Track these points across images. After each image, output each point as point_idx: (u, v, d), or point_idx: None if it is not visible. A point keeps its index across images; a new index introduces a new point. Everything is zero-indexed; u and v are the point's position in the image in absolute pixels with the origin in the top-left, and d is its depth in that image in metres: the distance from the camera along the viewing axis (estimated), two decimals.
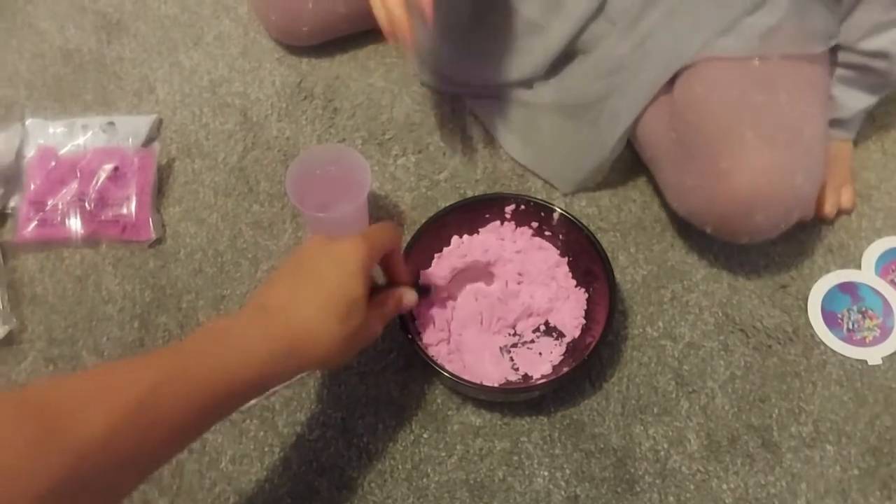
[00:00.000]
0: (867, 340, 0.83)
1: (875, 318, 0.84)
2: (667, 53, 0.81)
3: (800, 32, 0.79)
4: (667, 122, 0.82)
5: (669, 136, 0.81)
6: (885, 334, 0.82)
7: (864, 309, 0.84)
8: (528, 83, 0.94)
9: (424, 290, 0.80)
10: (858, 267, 0.87)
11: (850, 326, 0.83)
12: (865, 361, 0.82)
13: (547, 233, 0.86)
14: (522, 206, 0.85)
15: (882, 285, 0.85)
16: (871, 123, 0.96)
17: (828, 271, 0.87)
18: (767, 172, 0.73)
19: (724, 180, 0.74)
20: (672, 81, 0.82)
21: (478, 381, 0.77)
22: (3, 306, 0.86)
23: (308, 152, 0.84)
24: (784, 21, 0.78)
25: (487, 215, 0.86)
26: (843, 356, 0.82)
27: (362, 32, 1.02)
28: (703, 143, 0.76)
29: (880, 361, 0.82)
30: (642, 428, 0.79)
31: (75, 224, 0.90)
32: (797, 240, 0.89)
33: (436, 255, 0.85)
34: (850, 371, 0.82)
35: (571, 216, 0.83)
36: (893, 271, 0.86)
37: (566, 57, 0.93)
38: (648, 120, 0.84)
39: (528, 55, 0.92)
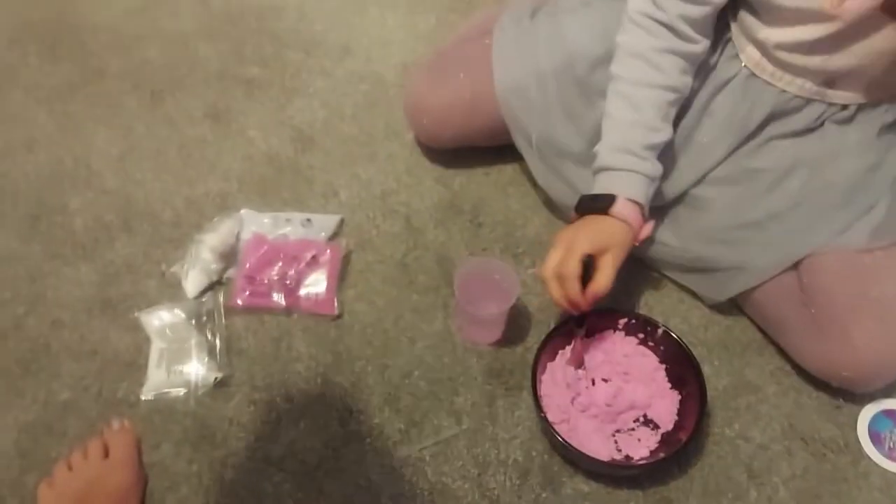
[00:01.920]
0: None
1: None
2: (791, 242, 1.03)
3: None
4: (790, 298, 1.03)
5: (800, 311, 1.02)
6: None
7: None
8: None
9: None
10: None
11: (892, 445, 1.03)
12: None
13: (650, 343, 1.08)
14: (632, 321, 1.08)
15: None
16: None
17: (874, 398, 1.07)
18: (887, 351, 0.97)
19: (854, 354, 0.97)
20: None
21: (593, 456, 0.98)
22: (220, 356, 1.11)
23: (474, 261, 1.09)
24: (887, 218, 1.02)
25: (603, 325, 1.09)
26: (885, 469, 1.02)
27: (497, 151, 1.29)
28: (833, 325, 0.98)
29: None
30: None
31: (278, 297, 1.15)
32: None
33: (560, 353, 1.08)
34: (890, 482, 1.01)
35: (671, 332, 1.05)
36: None
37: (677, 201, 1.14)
38: (771, 293, 1.06)
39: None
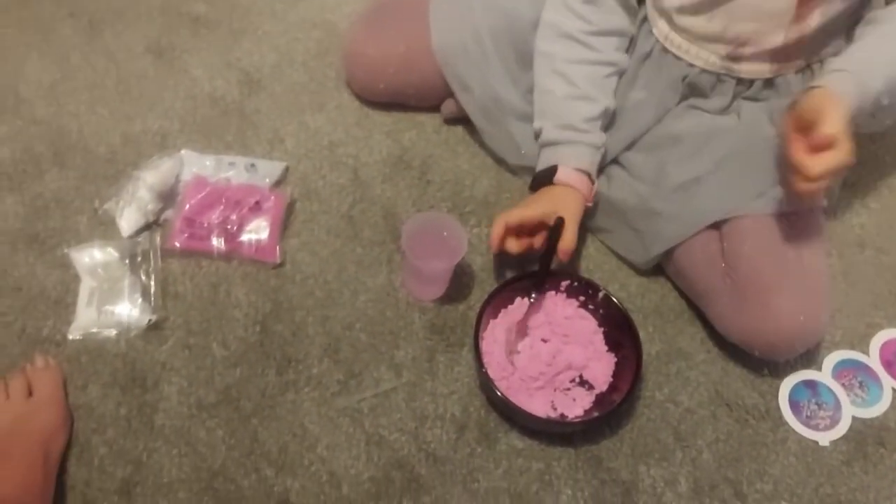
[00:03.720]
0: (820, 427, 1.08)
1: (827, 410, 1.09)
2: (708, 205, 1.07)
3: None
4: (714, 266, 1.06)
5: (724, 280, 1.04)
6: (833, 423, 1.08)
7: (820, 402, 1.09)
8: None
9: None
10: (820, 369, 1.12)
11: (808, 414, 1.08)
12: (817, 442, 1.06)
13: (590, 306, 1.10)
14: (574, 283, 1.10)
15: (835, 386, 1.11)
16: (839, 259, 1.23)
17: (796, 370, 1.12)
18: (803, 313, 1.00)
19: (774, 320, 1.00)
20: (713, 228, 1.07)
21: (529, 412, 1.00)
22: (154, 298, 1.07)
23: (423, 215, 1.08)
24: None
25: (546, 286, 1.10)
26: (801, 436, 1.07)
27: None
28: (754, 289, 1.01)
29: (828, 444, 1.06)
30: (646, 468, 1.03)
31: (218, 241, 1.11)
32: None
33: (502, 311, 1.09)
34: (805, 448, 1.06)
35: (612, 296, 1.08)
36: (845, 377, 1.12)
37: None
38: (697, 261, 1.08)
39: None
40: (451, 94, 1.25)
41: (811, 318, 1.03)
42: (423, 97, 1.28)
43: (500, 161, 1.26)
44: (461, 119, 1.27)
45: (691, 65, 1.10)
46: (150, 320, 1.05)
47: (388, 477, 0.99)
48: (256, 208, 1.14)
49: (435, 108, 1.29)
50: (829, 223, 1.20)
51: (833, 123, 0.88)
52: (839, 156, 0.88)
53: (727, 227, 1.07)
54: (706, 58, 1.08)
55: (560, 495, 1.00)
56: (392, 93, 1.27)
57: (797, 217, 1.06)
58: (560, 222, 1.06)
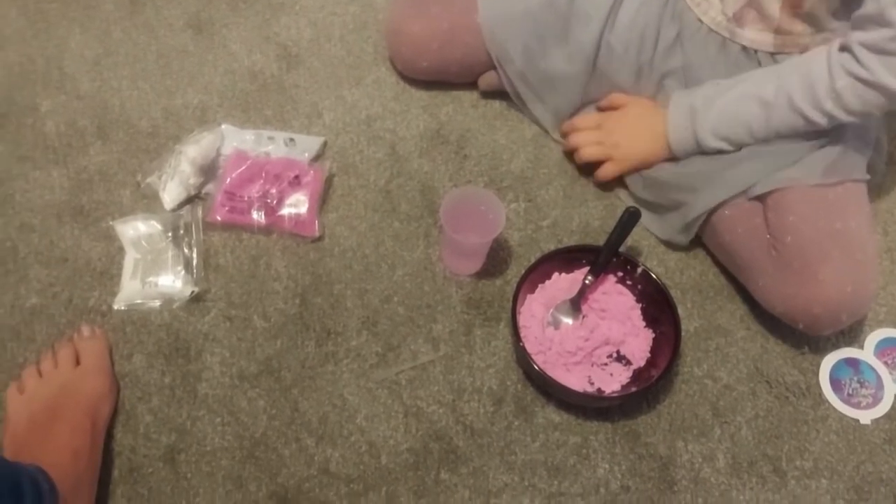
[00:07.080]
0: (861, 405, 1.06)
1: (869, 389, 1.08)
2: (742, 170, 1.06)
3: (852, 164, 1.05)
4: (758, 239, 1.04)
5: (769, 252, 1.03)
6: (875, 402, 1.07)
7: (862, 380, 1.08)
8: None
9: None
10: (862, 347, 1.11)
11: (850, 392, 1.07)
12: (858, 420, 1.05)
13: (628, 282, 1.10)
14: (613, 258, 1.09)
15: (878, 365, 1.09)
16: (884, 237, 1.21)
17: (838, 347, 1.11)
18: (851, 283, 0.98)
19: (821, 290, 0.99)
20: (756, 200, 1.06)
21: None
22: (196, 271, 1.09)
23: (461, 190, 1.08)
24: (840, 156, 1.04)
25: (584, 261, 1.10)
26: (842, 414, 1.06)
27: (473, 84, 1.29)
28: (802, 261, 0.99)
29: (869, 422, 1.05)
30: (683, 444, 1.02)
31: (258, 215, 1.12)
32: None
33: (539, 286, 1.09)
34: (846, 426, 1.05)
35: (651, 272, 1.07)
36: (888, 355, 1.10)
37: None
38: (740, 235, 1.07)
39: None
40: (492, 69, 1.24)
41: (859, 287, 1.01)
42: (464, 74, 1.27)
43: (537, 135, 1.26)
44: (498, 93, 1.27)
45: (699, 19, 1.12)
46: (192, 292, 1.07)
47: (427, 448, 1.00)
48: (296, 182, 1.15)
49: (472, 84, 1.29)
50: (873, 201, 1.18)
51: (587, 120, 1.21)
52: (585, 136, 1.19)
53: (771, 199, 1.05)
54: (713, 16, 1.10)
55: (597, 469, 1.00)
56: (434, 70, 1.26)
57: (842, 188, 1.04)
58: (635, 211, 1.07)
